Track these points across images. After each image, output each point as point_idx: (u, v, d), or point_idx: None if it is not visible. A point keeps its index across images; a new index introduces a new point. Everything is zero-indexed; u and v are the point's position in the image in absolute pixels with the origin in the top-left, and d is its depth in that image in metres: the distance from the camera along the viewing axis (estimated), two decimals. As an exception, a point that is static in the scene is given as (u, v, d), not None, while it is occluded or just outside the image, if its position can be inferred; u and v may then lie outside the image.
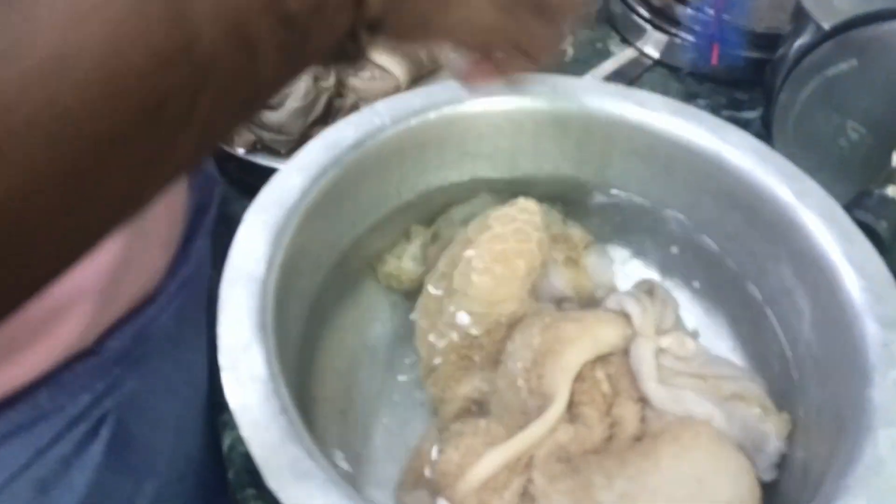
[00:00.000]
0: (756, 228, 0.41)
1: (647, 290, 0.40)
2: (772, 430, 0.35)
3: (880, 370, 0.32)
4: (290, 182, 0.38)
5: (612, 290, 0.43)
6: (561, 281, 0.41)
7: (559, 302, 0.41)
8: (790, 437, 0.36)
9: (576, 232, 0.43)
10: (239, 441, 0.39)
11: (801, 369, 0.38)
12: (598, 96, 0.43)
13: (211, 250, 0.41)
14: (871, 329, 0.34)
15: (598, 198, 0.47)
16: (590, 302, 0.42)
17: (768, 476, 0.35)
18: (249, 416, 0.29)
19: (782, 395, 0.38)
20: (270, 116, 0.51)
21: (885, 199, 0.41)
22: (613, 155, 0.45)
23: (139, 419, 0.35)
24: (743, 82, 0.62)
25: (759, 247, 0.41)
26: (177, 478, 0.40)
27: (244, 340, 0.31)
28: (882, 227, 0.41)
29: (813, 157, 0.49)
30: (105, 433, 0.33)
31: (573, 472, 0.33)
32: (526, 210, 0.41)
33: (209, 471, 0.46)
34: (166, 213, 0.35)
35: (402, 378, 0.41)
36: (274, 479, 0.27)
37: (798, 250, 0.38)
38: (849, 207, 0.39)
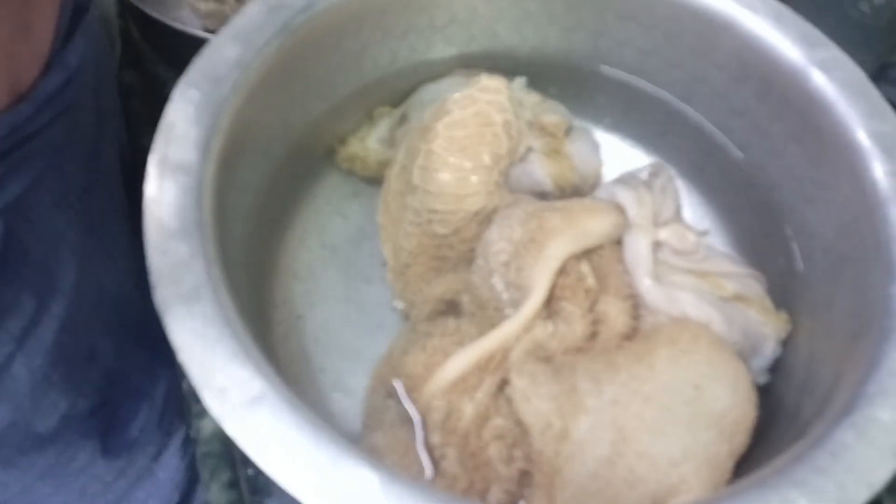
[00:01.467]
0: (768, 103, 0.36)
1: (648, 174, 0.35)
2: (771, 334, 0.32)
3: (907, 264, 0.28)
4: (226, 53, 0.32)
5: (599, 181, 0.38)
6: (540, 172, 0.36)
7: (539, 196, 0.36)
8: (789, 339, 0.33)
9: (553, 116, 0.37)
10: None
11: (808, 263, 0.35)
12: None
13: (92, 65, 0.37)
14: (898, 218, 0.30)
15: (588, 76, 0.41)
16: (574, 195, 0.37)
17: (761, 380, 0.33)
18: (186, 338, 0.25)
19: (784, 291, 0.35)
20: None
21: (913, 73, 0.36)
22: (608, 19, 0.38)
23: (30, 231, 0.34)
24: None
25: (770, 124, 0.36)
26: (90, 305, 0.39)
27: (176, 246, 0.26)
28: None
29: (829, 22, 0.43)
30: None
31: (556, 375, 0.29)
32: (488, 89, 0.36)
33: (141, 313, 0.46)
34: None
35: (368, 279, 0.37)
36: (219, 407, 0.23)
37: (816, 128, 0.33)
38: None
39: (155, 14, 0.45)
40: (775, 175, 0.37)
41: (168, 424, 0.49)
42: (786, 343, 0.33)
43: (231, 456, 0.33)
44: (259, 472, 0.33)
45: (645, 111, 0.41)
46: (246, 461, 0.34)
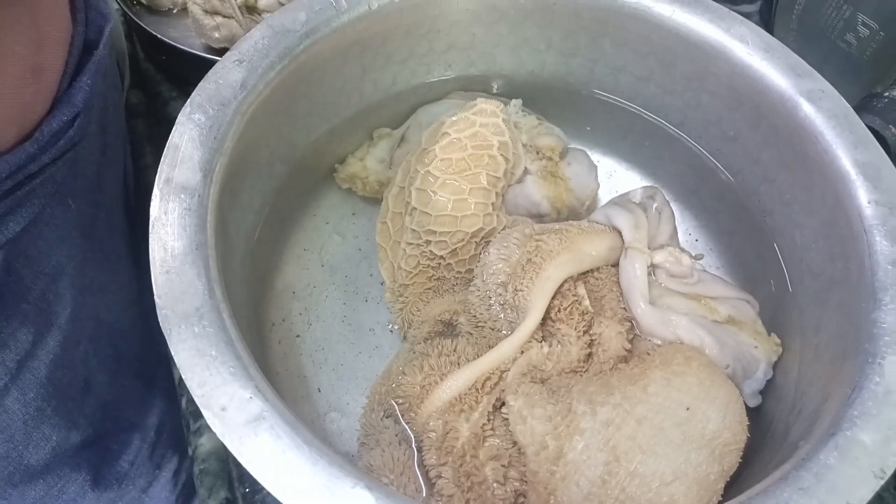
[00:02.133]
0: (759, 131, 0.37)
1: (644, 197, 0.36)
2: (762, 357, 0.33)
3: (890, 291, 0.29)
4: (230, 77, 0.32)
5: (595, 203, 0.39)
6: (537, 194, 0.36)
7: (536, 218, 0.37)
8: (779, 361, 0.34)
9: (549, 139, 0.38)
10: None
11: (798, 286, 0.35)
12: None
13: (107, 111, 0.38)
14: (881, 245, 0.30)
15: (585, 100, 0.42)
16: (571, 217, 0.38)
17: (752, 402, 0.33)
18: (189, 357, 0.25)
19: (775, 315, 0.36)
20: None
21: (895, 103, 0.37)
22: (605, 47, 0.39)
23: (29, 267, 0.34)
24: None
25: (761, 151, 0.37)
26: (87, 338, 0.39)
27: (179, 267, 0.27)
28: (891, 132, 0.37)
29: (816, 54, 0.45)
30: None
31: (552, 396, 0.30)
32: (484, 112, 0.36)
33: (138, 345, 0.46)
34: (34, 40, 0.31)
35: (366, 298, 0.37)
36: (220, 426, 0.24)
37: (804, 156, 0.34)
38: (855, 111, 0.35)
39: (160, 35, 0.46)
40: (766, 200, 0.38)
41: (159, 457, 0.49)
42: (776, 366, 0.34)
43: (228, 474, 0.34)
44: (254, 491, 0.33)
45: (640, 135, 0.42)
46: (242, 479, 0.34)
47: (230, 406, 0.24)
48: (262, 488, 0.32)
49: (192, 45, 0.47)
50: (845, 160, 0.33)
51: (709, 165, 0.40)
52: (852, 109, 0.34)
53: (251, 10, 0.48)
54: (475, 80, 0.42)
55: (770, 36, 0.36)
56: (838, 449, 0.25)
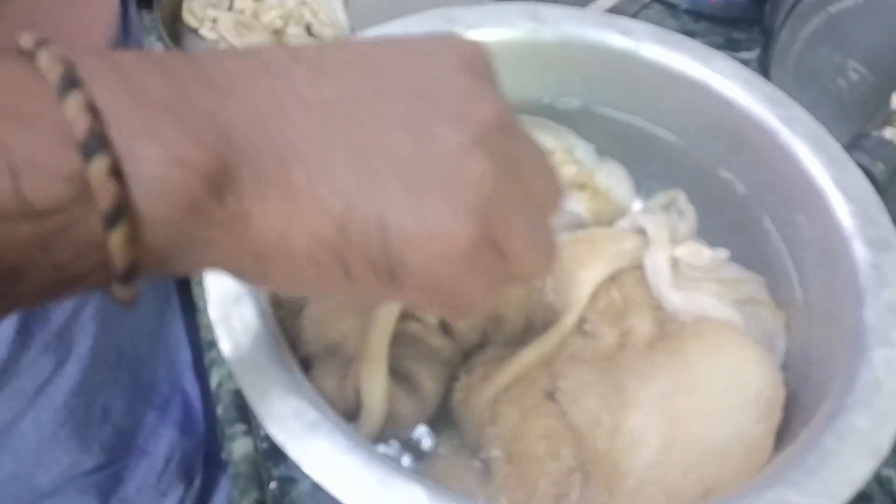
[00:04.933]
0: (742, 156, 0.40)
1: (666, 201, 0.39)
2: (781, 332, 0.36)
3: (872, 291, 0.33)
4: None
5: (629, 210, 0.41)
6: (578, 207, 0.39)
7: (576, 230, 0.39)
8: (790, 336, 0.36)
9: (572, 168, 0.41)
10: (227, 378, 0.39)
11: (804, 285, 0.38)
12: (579, 25, 0.42)
13: None
14: (861, 252, 0.34)
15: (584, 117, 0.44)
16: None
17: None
18: (246, 369, 0.27)
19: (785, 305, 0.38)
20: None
21: (883, 142, 0.41)
22: (596, 86, 0.43)
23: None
24: (741, 21, 0.61)
25: (748, 175, 0.41)
26: (107, 367, 0.40)
27: (233, 291, 0.29)
28: (879, 169, 0.40)
29: (810, 97, 0.48)
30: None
31: (600, 375, 0.32)
32: None
33: (154, 373, 0.47)
34: None
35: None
36: (280, 432, 0.26)
37: (786, 177, 0.38)
38: (846, 150, 0.38)
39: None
40: (761, 217, 0.41)
41: (165, 485, 0.50)
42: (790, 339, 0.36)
43: (259, 477, 0.36)
44: (283, 493, 0.35)
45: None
46: (271, 481, 0.36)
47: (288, 416, 0.27)
48: (292, 490, 0.35)
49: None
50: (822, 178, 0.37)
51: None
52: (826, 132, 0.38)
53: (278, 34, 0.51)
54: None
55: (747, 69, 0.40)
56: (837, 434, 0.28)
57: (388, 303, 0.31)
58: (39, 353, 0.36)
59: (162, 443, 0.49)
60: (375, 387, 0.32)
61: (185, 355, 0.50)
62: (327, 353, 0.33)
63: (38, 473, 0.41)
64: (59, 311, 0.36)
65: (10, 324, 0.33)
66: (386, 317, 0.33)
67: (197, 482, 0.53)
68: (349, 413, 0.32)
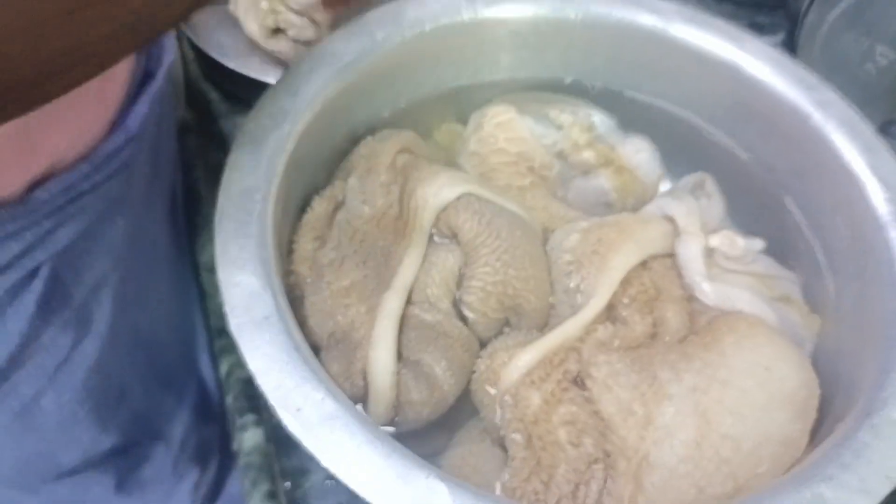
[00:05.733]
0: (771, 143, 0.39)
1: (693, 185, 0.37)
2: (808, 336, 0.35)
3: (909, 282, 0.31)
4: (280, 103, 0.34)
5: (657, 190, 0.40)
6: (606, 185, 0.38)
7: (604, 208, 0.38)
8: (820, 340, 0.35)
9: (597, 147, 0.39)
10: (237, 366, 0.38)
11: (834, 273, 0.36)
12: (606, 3, 0.40)
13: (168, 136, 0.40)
14: (898, 241, 0.33)
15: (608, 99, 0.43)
16: (637, 206, 0.38)
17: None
18: (263, 363, 0.27)
19: (814, 299, 0.37)
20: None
21: (912, 128, 0.40)
22: (620, 66, 0.42)
23: (75, 277, 0.35)
24: (765, 5, 0.59)
25: (778, 160, 0.39)
26: (125, 347, 0.40)
27: (247, 279, 0.29)
28: None
29: (837, 83, 0.47)
30: (38, 285, 0.33)
31: (633, 365, 0.31)
32: (502, 126, 0.38)
33: (172, 357, 0.47)
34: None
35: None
36: (297, 425, 0.25)
37: (818, 163, 0.37)
38: None
39: (218, 57, 0.47)
40: (798, 199, 0.39)
41: (182, 469, 0.50)
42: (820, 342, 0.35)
43: (270, 468, 0.35)
44: (296, 486, 0.34)
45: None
46: (284, 474, 0.35)
47: (305, 406, 0.26)
48: (304, 483, 0.34)
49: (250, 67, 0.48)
50: (856, 164, 0.35)
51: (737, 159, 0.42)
52: (859, 116, 0.36)
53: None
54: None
55: (779, 51, 0.39)
56: (873, 428, 0.27)
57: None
58: (60, 331, 0.36)
59: (178, 427, 0.49)
60: (383, 370, 0.31)
61: (203, 340, 0.50)
62: (334, 339, 0.32)
63: (59, 452, 0.41)
64: (80, 288, 0.36)
65: (31, 298, 0.33)
66: (393, 302, 0.32)
67: (213, 467, 0.53)
68: (357, 399, 0.32)
